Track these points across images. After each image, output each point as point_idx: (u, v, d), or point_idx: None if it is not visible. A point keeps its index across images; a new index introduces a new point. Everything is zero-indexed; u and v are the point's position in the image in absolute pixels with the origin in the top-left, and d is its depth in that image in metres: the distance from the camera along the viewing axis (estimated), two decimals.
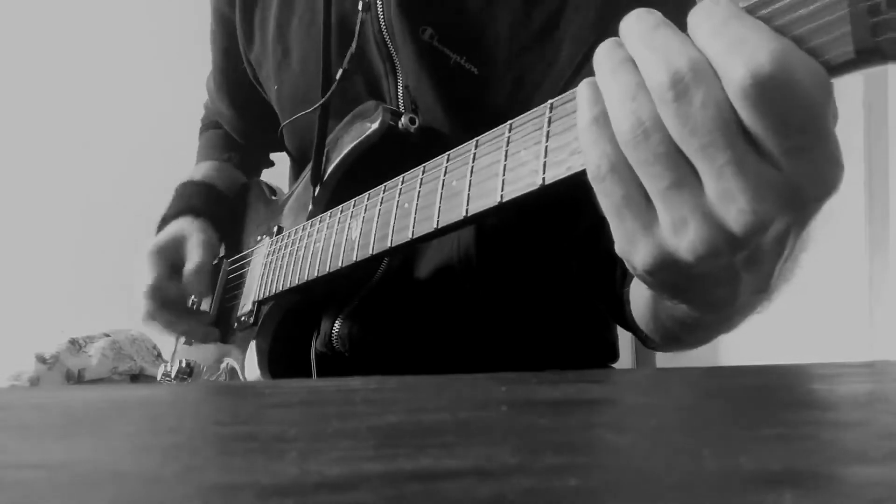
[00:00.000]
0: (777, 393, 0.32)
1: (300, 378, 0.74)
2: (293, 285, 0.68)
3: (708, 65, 0.30)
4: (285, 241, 0.73)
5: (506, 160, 0.44)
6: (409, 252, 0.71)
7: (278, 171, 1.03)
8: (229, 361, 0.80)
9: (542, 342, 0.75)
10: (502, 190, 0.43)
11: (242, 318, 0.78)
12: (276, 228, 0.78)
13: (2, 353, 1.60)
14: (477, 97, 0.66)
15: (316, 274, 0.64)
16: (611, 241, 0.36)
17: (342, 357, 0.74)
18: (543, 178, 0.41)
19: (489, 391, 0.34)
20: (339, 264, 0.60)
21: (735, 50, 0.29)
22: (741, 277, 0.35)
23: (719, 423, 0.25)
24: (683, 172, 0.31)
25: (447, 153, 0.50)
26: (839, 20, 0.28)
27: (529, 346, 0.74)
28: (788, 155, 0.29)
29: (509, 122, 0.45)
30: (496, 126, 0.46)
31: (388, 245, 0.54)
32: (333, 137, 0.72)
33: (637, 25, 0.33)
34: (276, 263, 0.74)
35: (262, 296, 0.75)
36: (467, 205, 0.46)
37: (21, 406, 0.37)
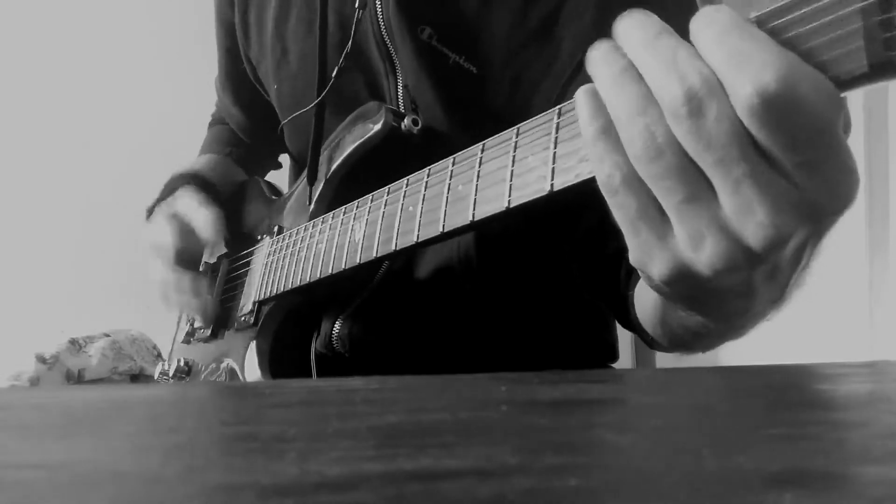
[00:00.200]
0: (777, 393, 0.32)
1: (300, 378, 0.74)
2: (294, 286, 0.68)
3: (717, 79, 0.30)
4: (286, 241, 0.73)
5: (513, 166, 0.44)
6: (410, 254, 0.71)
7: (278, 171, 1.03)
8: (229, 362, 0.80)
9: (542, 342, 0.75)
10: (510, 195, 0.43)
11: (242, 319, 0.78)
12: (276, 228, 0.78)
13: (2, 353, 1.60)
14: (476, 96, 0.66)
15: (318, 275, 0.64)
16: (613, 242, 0.36)
17: (342, 358, 0.74)
18: (552, 185, 0.40)
19: (489, 391, 0.34)
20: (343, 266, 0.60)
21: (740, 66, 0.29)
22: (758, 290, 0.35)
23: (719, 423, 0.25)
24: (698, 186, 0.31)
25: (453, 157, 0.50)
26: (852, 34, 0.28)
27: (529, 346, 0.74)
28: (800, 169, 0.29)
29: (516, 126, 0.44)
30: (495, 125, 0.46)
31: (393, 248, 0.54)
32: (335, 138, 0.72)
33: (638, 32, 0.33)
34: (277, 264, 0.74)
35: (262, 296, 0.75)
36: (473, 209, 0.46)
37: (21, 406, 0.37)
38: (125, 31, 2.13)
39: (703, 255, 0.32)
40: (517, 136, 0.44)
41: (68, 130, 2.10)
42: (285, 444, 0.23)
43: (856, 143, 1.66)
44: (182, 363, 0.86)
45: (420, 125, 0.66)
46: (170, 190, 0.87)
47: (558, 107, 0.42)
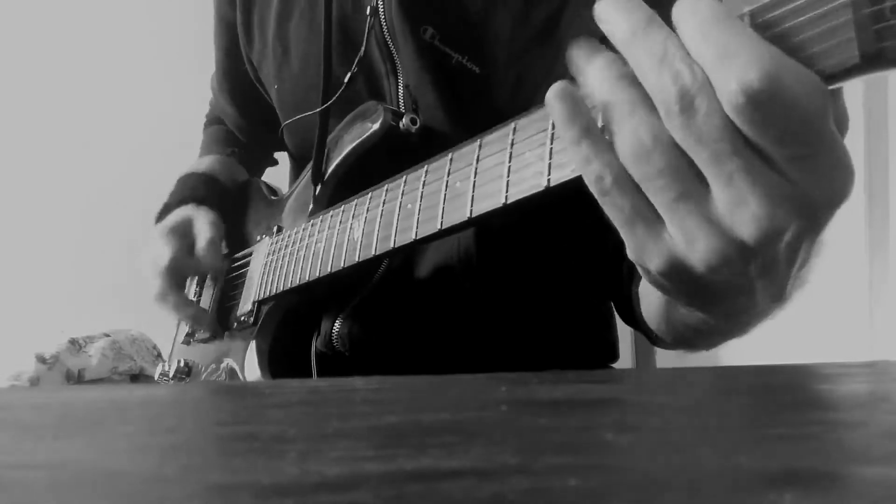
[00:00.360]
0: (777, 393, 0.32)
1: (300, 378, 0.74)
2: (294, 285, 0.68)
3: (705, 75, 0.30)
4: (286, 240, 0.73)
5: (510, 162, 0.44)
6: (410, 252, 0.71)
7: (278, 171, 1.03)
8: (228, 362, 0.80)
9: (543, 342, 0.75)
10: (507, 191, 0.43)
11: (242, 318, 0.78)
12: (276, 228, 0.78)
13: (2, 353, 1.60)
14: (478, 96, 0.66)
15: (318, 274, 0.64)
16: (612, 236, 0.36)
17: (342, 357, 0.74)
18: (548, 180, 0.40)
19: (489, 391, 0.34)
20: (342, 265, 0.60)
21: (725, 63, 0.29)
22: (756, 286, 0.34)
23: (719, 423, 0.25)
24: (690, 184, 0.31)
25: (450, 154, 0.50)
26: (843, 26, 0.28)
27: (529, 345, 0.74)
28: (792, 163, 0.29)
29: (513, 123, 0.44)
30: (497, 125, 0.46)
31: (392, 246, 0.54)
32: (334, 137, 0.72)
33: (625, 24, 0.32)
34: (276, 263, 0.74)
35: (262, 296, 0.75)
36: (471, 206, 0.46)
37: (21, 406, 0.37)
38: (124, 31, 2.13)
39: (697, 251, 0.32)
40: (514, 133, 0.44)
41: (68, 131, 2.10)
42: (285, 444, 0.23)
43: (856, 143, 1.67)
44: (182, 364, 0.86)
45: (418, 124, 0.66)
46: (183, 188, 0.88)
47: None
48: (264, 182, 0.94)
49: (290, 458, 0.20)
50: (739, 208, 0.30)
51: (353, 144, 0.68)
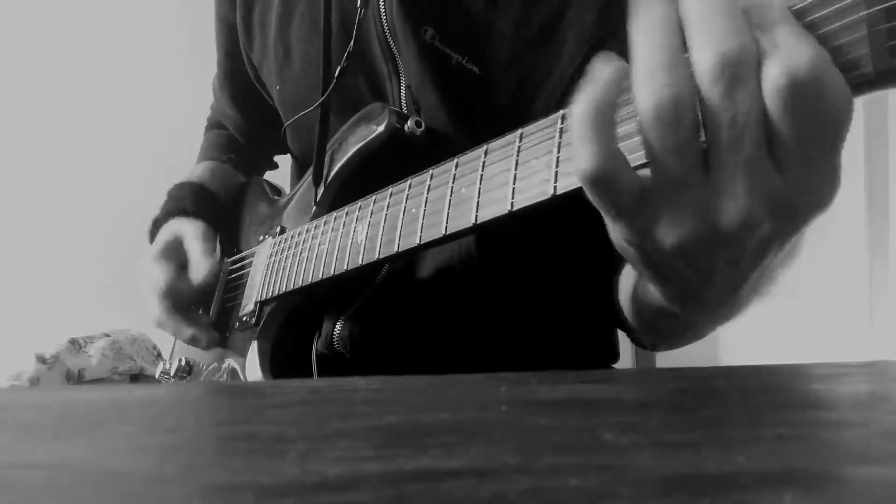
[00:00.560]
0: (777, 393, 0.32)
1: (300, 378, 0.74)
2: (296, 287, 0.68)
3: (755, 56, 0.30)
4: (288, 242, 0.73)
5: (516, 169, 0.44)
6: (412, 255, 0.72)
7: (280, 171, 1.04)
8: (230, 362, 0.80)
9: (543, 342, 0.75)
10: (512, 198, 0.44)
11: (244, 319, 0.78)
12: (278, 229, 0.78)
13: (2, 353, 1.60)
14: (479, 97, 0.66)
15: (320, 276, 0.64)
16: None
17: (343, 358, 0.74)
18: (555, 188, 0.41)
19: (489, 391, 0.34)
20: (345, 267, 0.60)
21: (778, 48, 0.29)
22: (717, 273, 0.35)
23: (719, 423, 0.25)
24: (693, 167, 0.31)
25: (456, 160, 0.50)
26: (857, 42, 0.28)
27: (530, 345, 0.74)
28: (799, 165, 0.30)
29: (520, 130, 0.45)
30: (498, 126, 0.46)
31: (395, 250, 0.54)
32: (338, 139, 0.72)
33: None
34: (279, 264, 0.74)
35: (264, 296, 0.75)
36: (476, 212, 0.46)
37: (21, 406, 0.37)
38: (124, 32, 2.13)
39: (675, 234, 0.33)
40: (520, 140, 0.44)
41: (68, 131, 2.10)
42: (285, 444, 0.23)
43: (856, 143, 1.67)
44: (183, 363, 0.86)
45: (423, 127, 0.66)
46: (174, 200, 0.88)
47: (562, 111, 0.42)
48: (267, 182, 0.94)
49: (290, 458, 0.20)
50: (730, 200, 0.31)
51: (358, 146, 0.68)
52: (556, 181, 0.41)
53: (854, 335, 1.62)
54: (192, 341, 0.83)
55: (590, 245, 0.66)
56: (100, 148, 2.10)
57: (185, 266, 0.83)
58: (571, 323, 0.77)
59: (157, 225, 0.88)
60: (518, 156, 0.44)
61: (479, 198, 0.46)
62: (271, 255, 0.76)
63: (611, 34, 0.62)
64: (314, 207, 0.72)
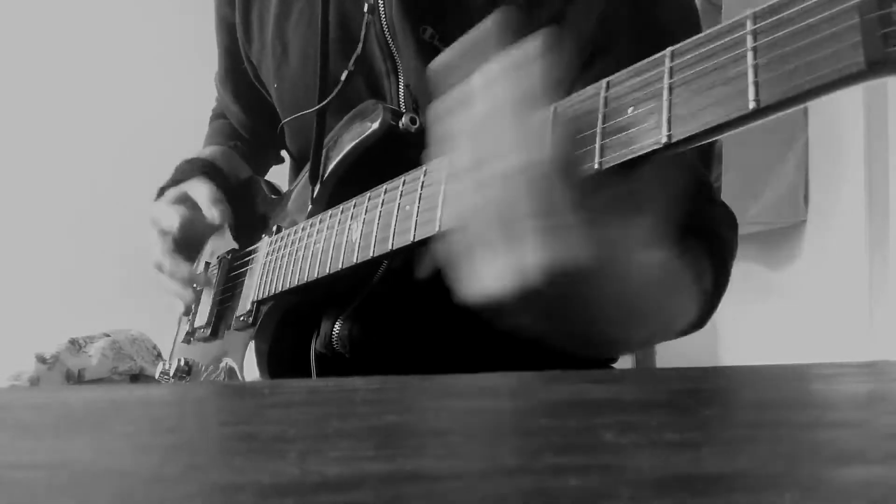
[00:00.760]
0: (777, 393, 0.32)
1: (300, 378, 0.74)
2: (293, 286, 0.68)
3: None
4: (285, 240, 0.73)
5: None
6: (409, 253, 0.71)
7: (278, 171, 1.03)
8: (228, 361, 0.80)
9: (543, 342, 0.74)
10: None
11: (241, 318, 0.78)
12: (275, 227, 0.78)
13: (2, 353, 1.60)
14: None
15: (316, 275, 0.64)
16: None
17: (342, 358, 0.74)
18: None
19: (489, 391, 0.34)
20: (340, 266, 0.60)
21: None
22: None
23: (719, 423, 0.25)
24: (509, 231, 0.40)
25: (448, 156, 0.50)
26: (849, 30, 0.28)
27: (530, 345, 0.74)
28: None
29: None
30: None
31: (389, 248, 0.54)
32: (333, 136, 0.72)
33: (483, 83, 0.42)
34: (275, 263, 0.73)
35: (261, 296, 0.75)
36: None
37: (21, 406, 0.37)
38: (123, 32, 2.13)
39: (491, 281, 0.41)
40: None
41: (69, 131, 2.10)
42: (285, 444, 0.23)
43: (856, 140, 1.66)
44: (183, 363, 0.86)
45: (418, 124, 0.66)
46: (182, 173, 0.88)
47: (553, 105, 0.42)
48: (265, 181, 0.94)
49: (290, 458, 0.20)
50: (522, 255, 0.39)
51: (353, 144, 0.68)
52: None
53: (854, 335, 1.62)
54: (188, 282, 0.83)
55: None
56: (101, 148, 2.10)
57: (190, 218, 0.82)
58: None
59: (162, 192, 0.88)
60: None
61: None
62: (268, 254, 0.76)
63: (607, 47, 0.63)
64: (311, 205, 0.72)
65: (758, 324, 1.91)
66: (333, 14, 0.72)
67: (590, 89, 0.41)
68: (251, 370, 0.74)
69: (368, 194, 0.59)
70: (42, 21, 2.11)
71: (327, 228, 0.64)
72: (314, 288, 0.67)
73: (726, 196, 1.72)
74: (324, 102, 0.71)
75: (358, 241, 0.58)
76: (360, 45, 0.70)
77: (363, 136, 0.67)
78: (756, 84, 0.31)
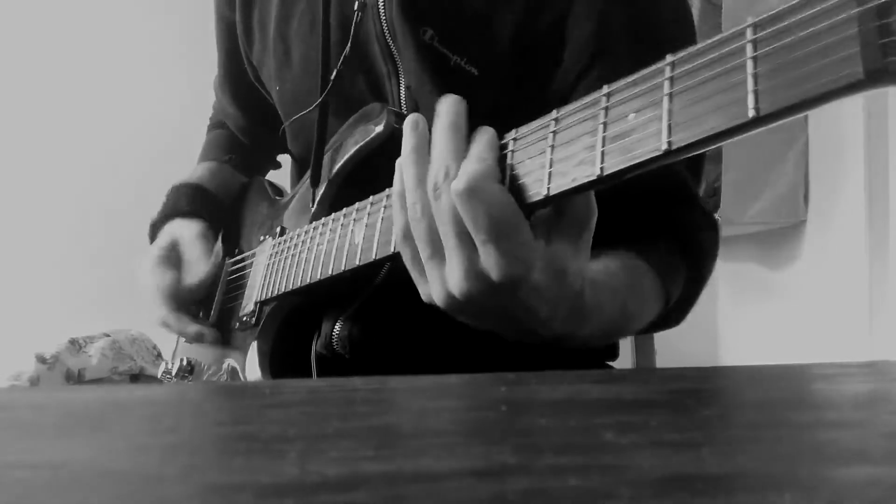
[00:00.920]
0: (777, 393, 0.32)
1: (300, 378, 0.74)
2: (295, 287, 0.68)
3: (447, 174, 0.44)
4: (288, 242, 0.73)
5: (512, 171, 0.44)
6: None
7: (280, 171, 1.04)
8: (230, 361, 0.80)
9: (540, 345, 0.74)
10: None
11: (244, 319, 0.78)
12: (278, 230, 0.78)
13: (2, 353, 1.60)
14: (477, 98, 0.66)
15: (319, 277, 0.64)
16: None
17: (342, 359, 0.74)
18: (549, 189, 0.41)
19: (489, 391, 0.34)
20: (342, 268, 0.60)
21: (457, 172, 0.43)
22: (496, 315, 0.48)
23: (719, 423, 0.25)
24: (436, 248, 0.46)
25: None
26: (848, 40, 0.28)
27: (529, 346, 0.74)
28: (479, 243, 0.43)
29: (514, 131, 0.45)
30: (496, 127, 0.46)
31: (392, 250, 0.54)
32: (337, 139, 0.72)
33: (441, 118, 0.47)
34: (278, 265, 0.74)
35: (264, 297, 0.75)
36: None
37: (21, 406, 0.37)
38: (124, 32, 2.13)
39: (433, 292, 0.49)
40: (514, 143, 0.44)
41: (69, 132, 2.10)
42: (285, 444, 0.23)
43: (856, 142, 1.66)
44: (185, 362, 0.86)
45: None
46: (170, 206, 0.89)
47: (556, 112, 0.42)
48: (269, 182, 0.94)
49: (290, 458, 0.20)
50: (449, 270, 0.45)
51: (357, 146, 0.68)
52: (549, 182, 0.41)
53: (854, 335, 1.62)
54: (198, 337, 0.83)
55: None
56: (100, 148, 2.10)
57: (183, 269, 0.83)
58: None
59: (154, 227, 0.89)
60: (512, 158, 0.44)
61: None
62: (271, 255, 0.76)
63: (606, 49, 0.63)
64: (314, 208, 0.72)
65: (758, 324, 1.91)
66: (334, 16, 0.72)
67: (591, 96, 0.41)
68: (252, 370, 0.74)
69: (371, 198, 0.59)
70: (42, 21, 2.11)
71: (330, 231, 0.64)
72: (316, 289, 0.67)
73: (726, 196, 1.72)
74: (319, 99, 0.71)
75: (361, 243, 0.58)
76: (349, 44, 0.70)
77: (367, 140, 0.67)
78: (756, 93, 0.31)
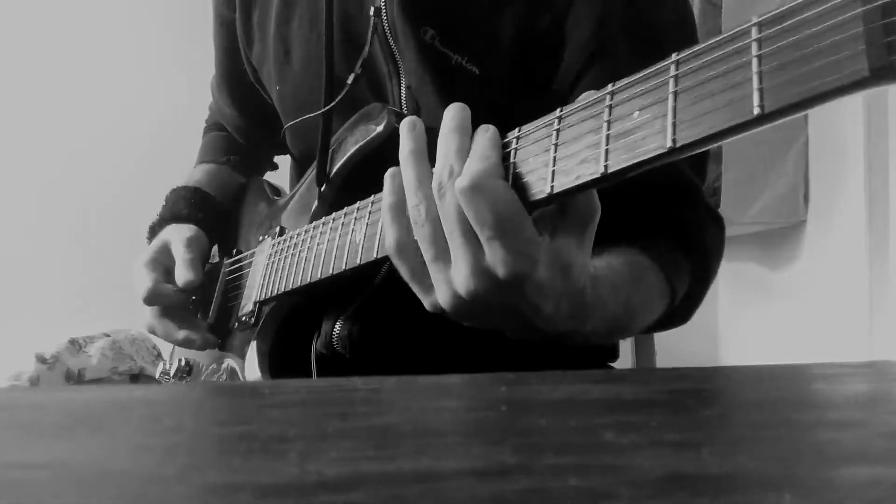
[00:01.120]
0: (777, 393, 0.32)
1: (300, 378, 0.74)
2: (295, 287, 0.68)
3: (451, 173, 0.44)
4: (288, 242, 0.73)
5: (514, 169, 0.44)
6: None
7: (280, 171, 1.03)
8: (229, 362, 0.80)
9: (543, 342, 0.74)
10: None
11: (243, 319, 0.78)
12: (278, 229, 0.78)
13: (2, 353, 1.60)
14: (478, 97, 0.66)
15: (319, 276, 0.64)
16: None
17: (342, 358, 0.74)
18: (552, 187, 0.41)
19: (489, 391, 0.34)
20: (343, 267, 0.60)
21: (461, 169, 0.44)
22: (502, 313, 0.47)
23: (719, 423, 0.25)
24: (441, 249, 0.46)
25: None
26: (853, 38, 0.28)
27: (530, 345, 0.74)
28: (484, 241, 0.43)
29: (516, 131, 0.45)
30: (497, 127, 0.47)
31: None
32: (338, 138, 0.72)
33: (446, 121, 0.47)
34: (278, 265, 0.74)
35: (263, 296, 0.75)
36: None
37: (21, 406, 0.37)
38: (123, 33, 2.13)
39: (438, 296, 0.47)
40: (517, 141, 0.44)
41: (69, 132, 2.10)
42: (285, 444, 0.23)
43: (856, 143, 1.66)
44: (183, 363, 0.86)
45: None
46: (169, 208, 0.89)
47: (559, 110, 0.42)
48: (267, 182, 0.94)
49: (290, 458, 0.20)
50: (458, 271, 0.45)
51: (357, 146, 0.68)
52: (552, 180, 0.41)
53: (854, 335, 1.62)
54: (186, 343, 0.83)
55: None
56: (100, 148, 2.10)
57: (172, 273, 0.83)
58: None
59: (153, 231, 0.88)
60: (515, 156, 0.44)
61: None
62: (270, 255, 0.76)
63: (606, 48, 0.63)
64: (315, 208, 0.72)
65: (758, 324, 1.91)
66: (336, 16, 0.72)
67: (595, 94, 0.41)
68: (252, 370, 0.74)
69: (372, 197, 0.59)
70: (42, 21, 2.11)
71: (331, 230, 0.64)
72: (316, 289, 0.67)
73: (726, 196, 1.72)
74: (331, 105, 0.71)
75: (361, 242, 0.58)
76: (367, 48, 0.70)
77: (367, 139, 0.67)
78: (760, 90, 0.32)
